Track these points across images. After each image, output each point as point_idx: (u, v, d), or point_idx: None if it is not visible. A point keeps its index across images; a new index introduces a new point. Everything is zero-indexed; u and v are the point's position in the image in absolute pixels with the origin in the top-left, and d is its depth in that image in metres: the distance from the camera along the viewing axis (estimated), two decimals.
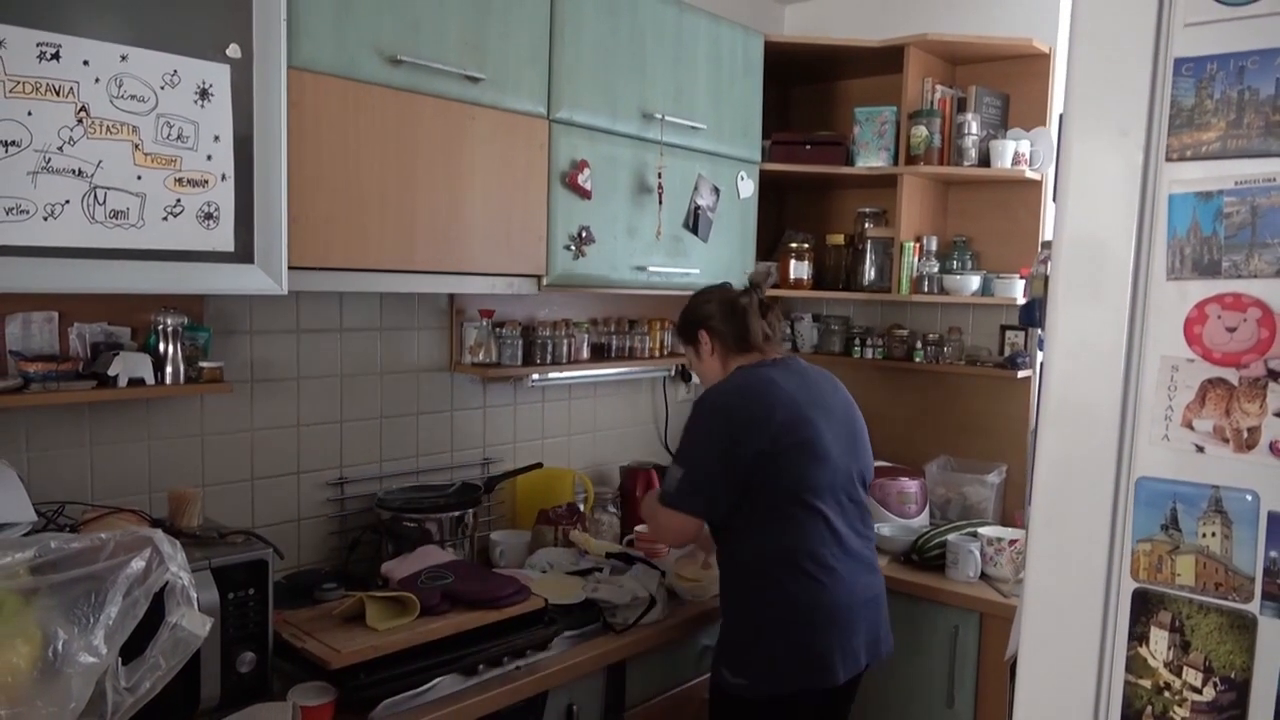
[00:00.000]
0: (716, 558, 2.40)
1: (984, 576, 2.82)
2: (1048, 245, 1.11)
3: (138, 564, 1.46)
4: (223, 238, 1.85)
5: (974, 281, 3.22)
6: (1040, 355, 1.30)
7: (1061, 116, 1.08)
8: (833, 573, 2.23)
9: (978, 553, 2.81)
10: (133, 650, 1.46)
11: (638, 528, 2.91)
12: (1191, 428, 1.02)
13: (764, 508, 2.23)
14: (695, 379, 3.52)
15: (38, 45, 1.60)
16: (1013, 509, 3.24)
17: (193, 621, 1.49)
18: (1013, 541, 2.82)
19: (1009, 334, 3.29)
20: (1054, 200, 1.08)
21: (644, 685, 2.41)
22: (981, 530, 2.90)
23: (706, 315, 2.44)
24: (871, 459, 2.47)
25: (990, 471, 3.23)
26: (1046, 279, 1.10)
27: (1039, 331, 2.95)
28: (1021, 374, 3.10)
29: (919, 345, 3.36)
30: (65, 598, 1.40)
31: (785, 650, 2.21)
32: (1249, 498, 0.99)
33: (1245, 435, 0.99)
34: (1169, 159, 1.02)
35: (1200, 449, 1.02)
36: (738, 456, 2.20)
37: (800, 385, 2.33)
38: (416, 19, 2.12)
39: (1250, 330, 0.97)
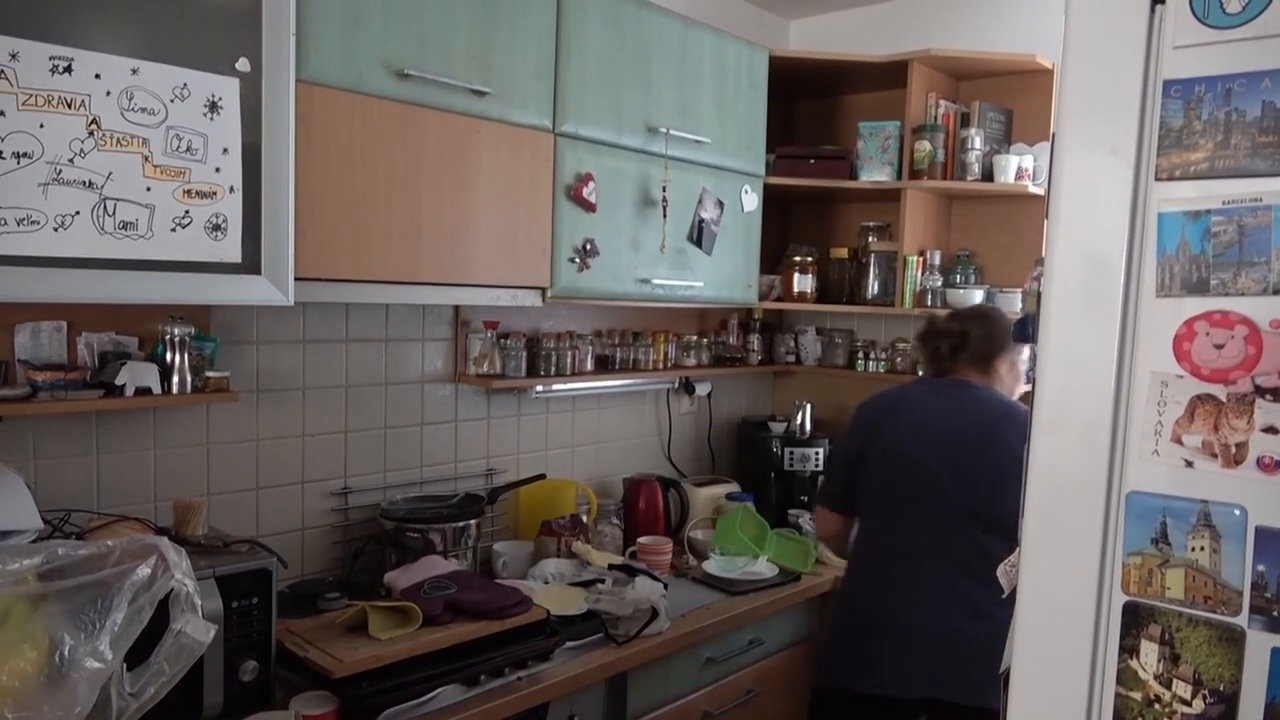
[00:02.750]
0: None
1: None
2: (1041, 262, 1.13)
3: (143, 571, 1.48)
4: (230, 249, 1.87)
5: (977, 295, 3.23)
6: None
7: (1054, 135, 1.10)
8: (891, 589, 2.31)
9: None
10: (137, 656, 1.48)
11: (640, 540, 2.93)
12: (1181, 443, 1.04)
13: (859, 506, 2.46)
14: (698, 391, 3.54)
15: (50, 59, 1.63)
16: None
17: (196, 628, 1.51)
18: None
19: None
20: (1046, 218, 1.10)
21: (646, 697, 2.41)
22: None
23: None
24: (1003, 501, 2.15)
25: None
26: (1039, 295, 1.12)
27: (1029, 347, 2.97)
28: (1027, 386, 3.11)
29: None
30: (72, 604, 1.42)
31: (831, 640, 2.44)
32: (1237, 512, 1.00)
33: (1233, 451, 1.00)
34: (1158, 178, 1.03)
35: (1189, 464, 1.03)
36: (851, 456, 2.46)
37: (933, 406, 2.41)
38: (423, 33, 2.15)
39: (1238, 347, 0.98)
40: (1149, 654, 1.06)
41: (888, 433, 2.39)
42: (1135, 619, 1.07)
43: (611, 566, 2.65)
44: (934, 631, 2.25)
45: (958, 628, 2.23)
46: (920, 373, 2.72)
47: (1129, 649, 1.08)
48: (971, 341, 2.44)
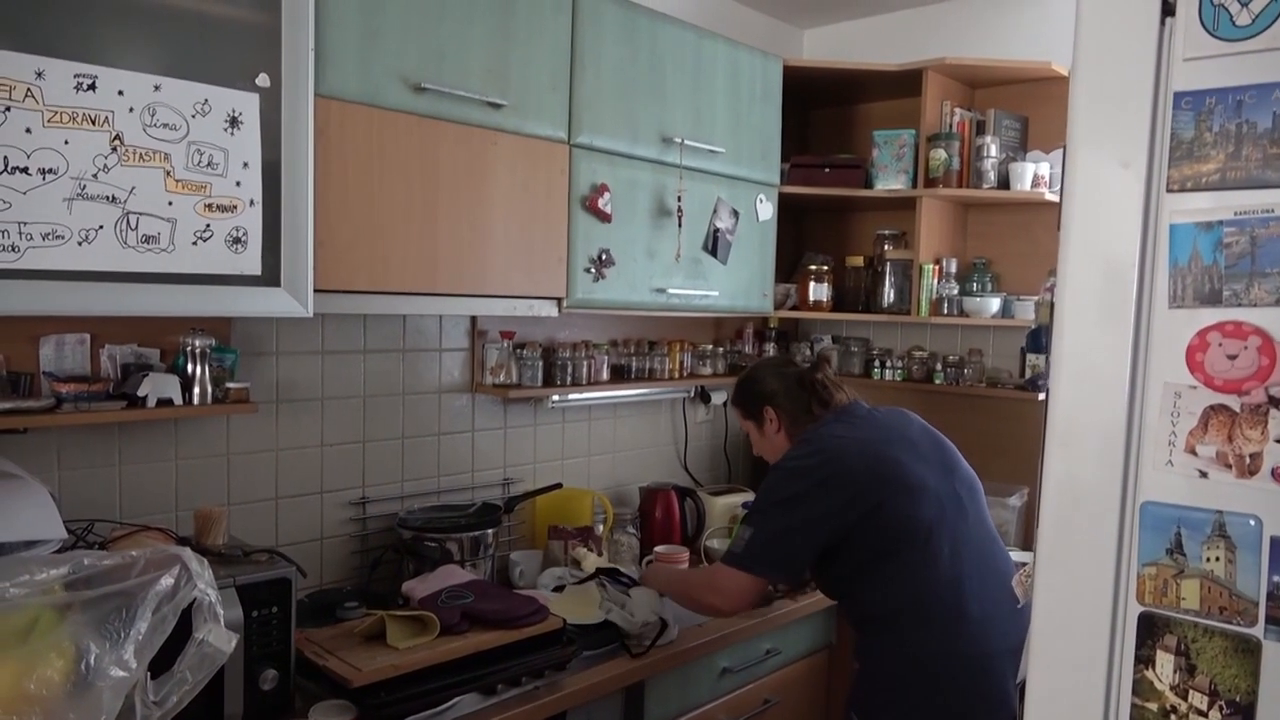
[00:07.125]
0: (844, 611, 2.35)
1: None
2: (1053, 273, 1.13)
3: (167, 581, 1.50)
4: (250, 262, 1.89)
5: (994, 303, 3.23)
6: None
7: (1065, 148, 1.10)
8: (963, 619, 2.09)
9: None
10: (161, 665, 1.49)
11: (657, 549, 2.93)
12: (1195, 453, 1.04)
13: (875, 558, 2.15)
14: (714, 400, 3.55)
15: (75, 76, 1.65)
16: (1035, 532, 3.22)
17: (219, 637, 1.52)
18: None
19: (1030, 356, 3.29)
20: (1059, 229, 1.11)
21: (663, 706, 2.42)
22: None
23: (770, 392, 2.39)
24: (972, 475, 2.30)
25: (1012, 495, 3.22)
26: (1052, 306, 1.12)
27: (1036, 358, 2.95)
28: (1043, 396, 3.09)
29: (939, 367, 3.36)
30: (97, 613, 1.44)
31: (918, 704, 2.11)
32: (1252, 523, 1.00)
33: (1247, 461, 1.00)
34: (1170, 190, 1.04)
35: (1204, 474, 1.03)
36: (819, 517, 2.12)
37: (870, 427, 2.27)
38: (440, 48, 2.17)
39: (1251, 358, 0.99)
40: (1165, 665, 1.07)
41: (886, 467, 2.15)
42: (1151, 629, 1.07)
43: (600, 570, 2.57)
44: (1015, 649, 2.14)
45: (1022, 635, 2.10)
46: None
47: (1145, 659, 1.08)
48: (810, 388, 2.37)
